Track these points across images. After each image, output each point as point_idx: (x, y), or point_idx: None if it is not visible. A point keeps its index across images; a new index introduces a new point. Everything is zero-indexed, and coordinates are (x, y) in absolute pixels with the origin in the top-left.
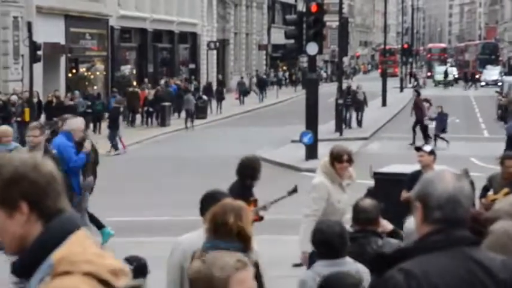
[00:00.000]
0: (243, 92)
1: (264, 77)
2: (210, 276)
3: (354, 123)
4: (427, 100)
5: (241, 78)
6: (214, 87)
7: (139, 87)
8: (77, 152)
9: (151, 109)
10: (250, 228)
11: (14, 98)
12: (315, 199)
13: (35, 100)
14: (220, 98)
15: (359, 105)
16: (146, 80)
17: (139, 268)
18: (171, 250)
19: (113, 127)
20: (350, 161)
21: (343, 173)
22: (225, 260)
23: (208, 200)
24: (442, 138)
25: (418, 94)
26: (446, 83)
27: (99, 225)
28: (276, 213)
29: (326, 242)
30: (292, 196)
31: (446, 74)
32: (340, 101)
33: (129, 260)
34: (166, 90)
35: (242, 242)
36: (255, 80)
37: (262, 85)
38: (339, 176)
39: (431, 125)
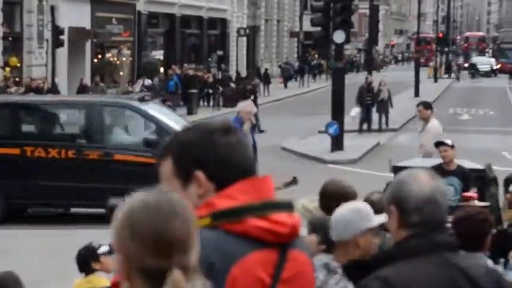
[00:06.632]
0: (287, 77)
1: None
2: None
3: (375, 124)
4: None
5: (285, 64)
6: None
7: (201, 71)
8: None
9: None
10: None
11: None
12: None
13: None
14: (267, 82)
15: (382, 106)
16: (174, 66)
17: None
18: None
19: None
20: None
21: None
22: None
23: None
24: None
25: None
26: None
27: None
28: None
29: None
30: (289, 188)
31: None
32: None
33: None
34: (225, 75)
35: None
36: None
37: (302, 72)
38: None
39: None
